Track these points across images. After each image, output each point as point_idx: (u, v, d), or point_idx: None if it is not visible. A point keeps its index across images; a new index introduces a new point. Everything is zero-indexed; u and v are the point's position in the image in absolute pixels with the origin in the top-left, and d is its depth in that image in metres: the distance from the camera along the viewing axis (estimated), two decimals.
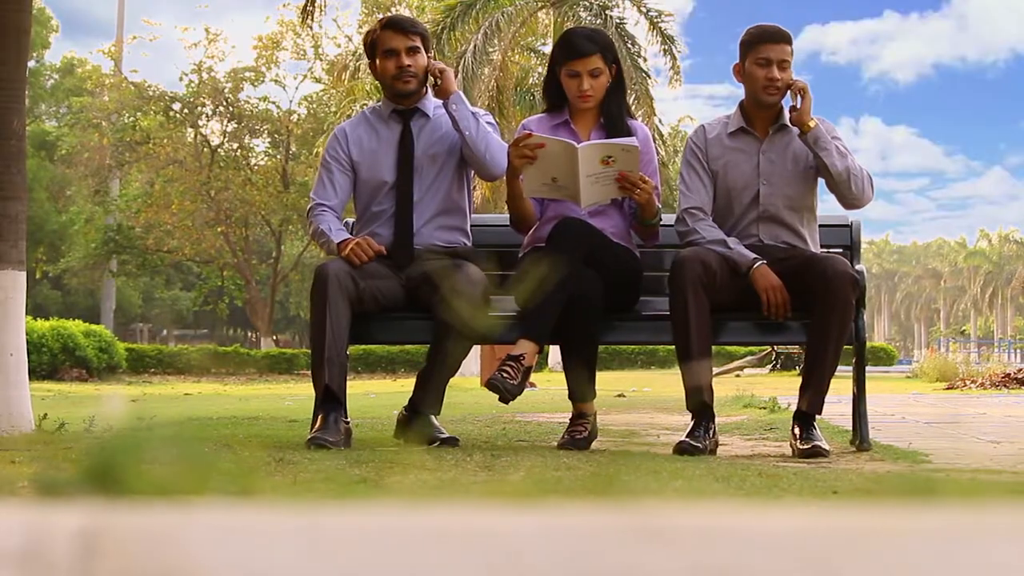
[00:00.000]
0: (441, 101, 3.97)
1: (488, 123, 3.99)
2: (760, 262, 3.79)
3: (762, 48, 3.86)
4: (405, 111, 4.06)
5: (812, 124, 3.80)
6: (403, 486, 2.15)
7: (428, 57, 4.02)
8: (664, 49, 18.71)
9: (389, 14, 10.53)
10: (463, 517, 0.54)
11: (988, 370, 14.44)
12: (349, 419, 3.74)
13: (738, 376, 16.30)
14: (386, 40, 3.98)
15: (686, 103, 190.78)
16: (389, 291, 3.86)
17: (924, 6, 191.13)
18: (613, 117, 3.97)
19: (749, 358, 19.80)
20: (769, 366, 19.29)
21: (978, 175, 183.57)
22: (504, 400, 3.57)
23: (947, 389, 12.23)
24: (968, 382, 12.65)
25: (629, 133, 3.90)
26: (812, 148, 3.82)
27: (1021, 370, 13.16)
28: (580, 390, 3.83)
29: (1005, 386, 11.88)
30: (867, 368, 4.05)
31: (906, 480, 2.48)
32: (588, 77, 3.88)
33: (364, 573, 0.49)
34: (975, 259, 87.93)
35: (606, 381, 13.86)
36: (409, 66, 3.96)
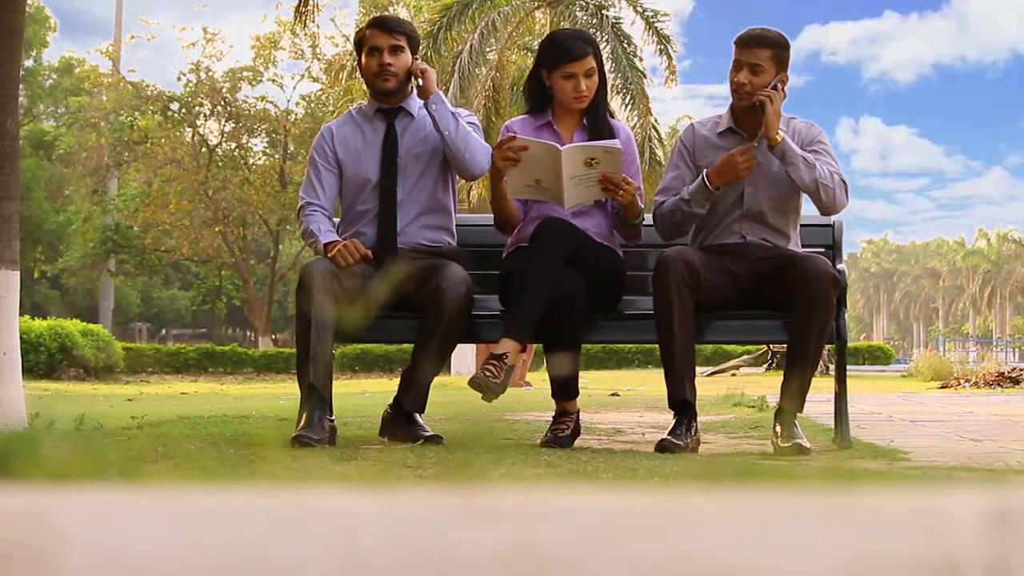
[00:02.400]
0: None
1: (470, 123, 4.02)
2: (705, 171, 3.88)
3: (738, 52, 3.90)
4: (390, 110, 4.09)
5: (779, 138, 3.83)
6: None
7: (414, 58, 4.06)
8: (660, 49, 18.70)
9: (384, 13, 10.59)
10: (317, 500, 0.59)
11: (983, 369, 14.48)
12: (334, 417, 3.78)
13: (734, 375, 16.32)
14: (371, 38, 4.03)
15: (685, 103, 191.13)
16: (374, 291, 3.90)
17: (924, 6, 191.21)
18: (597, 118, 4.00)
19: (745, 357, 19.82)
20: (765, 365, 19.30)
21: (978, 175, 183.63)
22: (487, 399, 3.62)
23: (941, 388, 12.26)
24: (962, 381, 12.67)
25: (612, 134, 3.94)
26: (780, 161, 3.88)
27: (1015, 369, 13.19)
28: (563, 388, 3.88)
29: (999, 385, 11.90)
30: (864, 367, 4.12)
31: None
32: (584, 78, 3.92)
33: (214, 547, 0.54)
34: (974, 258, 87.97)
35: (601, 380, 13.91)
36: (389, 64, 3.99)
